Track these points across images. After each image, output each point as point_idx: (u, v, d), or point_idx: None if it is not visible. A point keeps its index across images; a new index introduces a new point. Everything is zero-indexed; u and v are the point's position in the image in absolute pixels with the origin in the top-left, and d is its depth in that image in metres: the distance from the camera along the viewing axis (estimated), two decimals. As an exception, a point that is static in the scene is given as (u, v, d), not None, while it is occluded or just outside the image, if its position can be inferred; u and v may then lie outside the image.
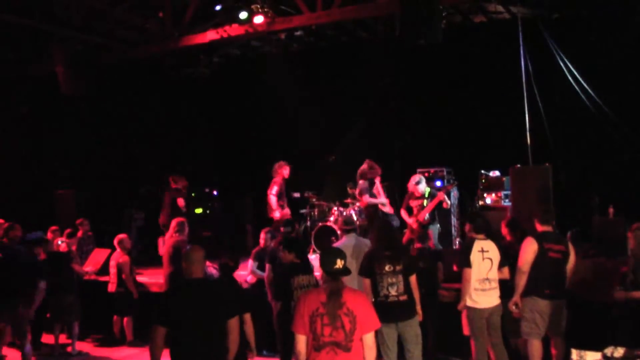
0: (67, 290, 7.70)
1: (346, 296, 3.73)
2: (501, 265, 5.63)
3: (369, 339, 3.72)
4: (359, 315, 3.69)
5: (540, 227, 5.64)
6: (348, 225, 6.58)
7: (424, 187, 8.12)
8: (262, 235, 7.41)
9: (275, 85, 11.79)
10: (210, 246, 8.75)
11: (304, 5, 9.10)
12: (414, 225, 7.93)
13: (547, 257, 5.46)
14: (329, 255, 3.86)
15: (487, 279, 5.55)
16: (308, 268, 5.85)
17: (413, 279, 5.44)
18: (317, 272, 5.64)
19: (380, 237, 5.63)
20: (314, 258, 7.88)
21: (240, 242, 11.99)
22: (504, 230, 6.28)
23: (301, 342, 3.73)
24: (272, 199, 8.81)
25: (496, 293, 5.61)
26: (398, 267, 5.37)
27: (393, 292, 5.36)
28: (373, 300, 5.44)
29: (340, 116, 11.73)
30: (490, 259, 5.57)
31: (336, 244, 6.64)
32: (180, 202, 9.27)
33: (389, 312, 5.37)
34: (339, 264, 3.77)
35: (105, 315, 8.35)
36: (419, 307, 5.48)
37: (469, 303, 5.59)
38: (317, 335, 3.68)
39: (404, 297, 5.37)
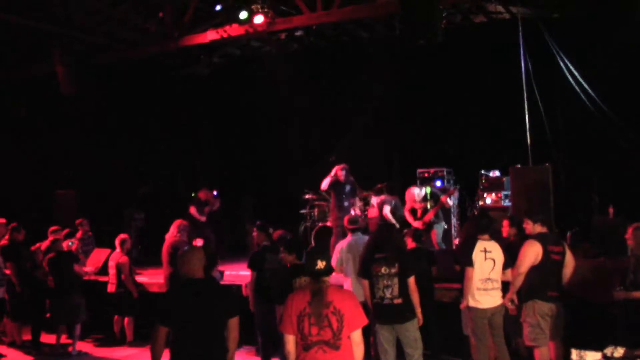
0: (70, 290, 7.71)
1: (333, 295, 3.78)
2: (505, 267, 5.60)
3: (357, 336, 3.77)
4: (346, 314, 3.74)
5: (539, 228, 5.61)
6: (353, 225, 6.62)
7: (422, 194, 8.16)
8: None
9: (276, 85, 11.79)
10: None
11: (304, 5, 9.10)
12: (419, 226, 7.96)
13: (551, 260, 5.45)
14: (311, 256, 3.92)
15: (489, 278, 5.53)
16: None
17: (411, 281, 5.37)
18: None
19: (376, 239, 5.63)
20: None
21: (240, 242, 12.00)
22: (511, 230, 6.25)
23: (290, 342, 3.80)
24: None
25: (498, 293, 5.59)
26: (393, 270, 5.33)
27: (388, 294, 5.33)
28: (371, 301, 5.46)
29: (340, 116, 11.73)
30: (493, 260, 5.55)
31: (341, 242, 6.69)
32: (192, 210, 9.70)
33: (384, 314, 5.38)
34: (320, 264, 3.82)
35: (105, 315, 8.35)
36: (418, 311, 5.42)
37: (471, 303, 5.57)
38: (305, 334, 3.73)
39: (398, 300, 5.33)
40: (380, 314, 5.43)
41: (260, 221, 6.88)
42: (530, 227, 5.61)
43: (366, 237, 6.52)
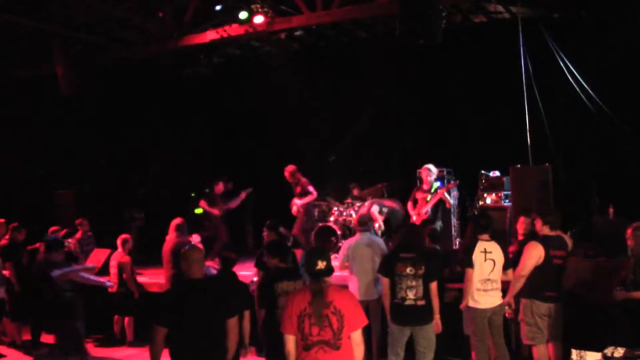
0: (67, 290, 7.69)
1: (333, 295, 3.79)
2: (505, 267, 5.61)
3: (357, 336, 3.78)
4: (346, 314, 3.75)
5: (546, 230, 5.60)
6: (363, 226, 6.64)
7: (433, 178, 8.21)
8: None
9: (275, 86, 11.78)
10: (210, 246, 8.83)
11: (304, 5, 9.10)
12: (415, 218, 8.00)
13: (552, 264, 5.45)
14: (311, 256, 3.91)
15: (489, 279, 5.53)
16: (295, 274, 5.58)
17: (434, 285, 5.39)
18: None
19: (405, 237, 5.61)
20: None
21: (240, 242, 11.99)
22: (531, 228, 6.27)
23: (290, 342, 3.80)
24: None
25: (498, 294, 5.60)
26: (420, 271, 5.32)
27: (411, 295, 5.32)
28: (390, 301, 5.44)
29: (340, 116, 11.72)
30: (493, 260, 5.54)
31: (349, 240, 6.71)
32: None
33: (404, 315, 5.38)
34: (320, 265, 3.82)
35: (105, 315, 8.35)
36: (437, 316, 5.42)
37: (470, 303, 5.57)
38: (305, 334, 3.74)
39: (421, 302, 5.33)
40: (399, 314, 5.40)
41: (270, 220, 6.86)
42: (539, 226, 5.64)
43: (376, 237, 6.54)
